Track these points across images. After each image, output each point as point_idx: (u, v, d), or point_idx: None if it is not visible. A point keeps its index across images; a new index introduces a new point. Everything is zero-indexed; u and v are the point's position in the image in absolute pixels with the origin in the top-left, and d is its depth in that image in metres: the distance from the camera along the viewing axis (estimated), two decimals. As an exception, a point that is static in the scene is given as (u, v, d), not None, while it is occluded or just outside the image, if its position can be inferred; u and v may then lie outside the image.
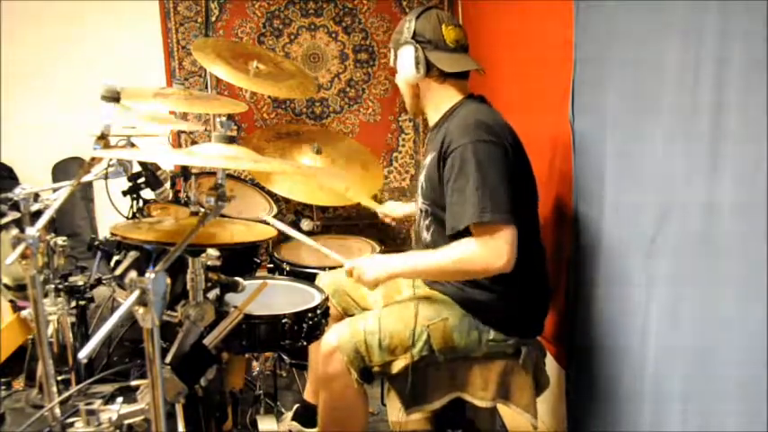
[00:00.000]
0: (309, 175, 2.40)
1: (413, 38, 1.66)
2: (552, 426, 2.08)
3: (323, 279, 1.94)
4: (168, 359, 1.17)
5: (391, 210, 2.23)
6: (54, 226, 1.88)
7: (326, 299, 1.66)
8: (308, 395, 2.03)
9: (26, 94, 3.01)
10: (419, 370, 1.62)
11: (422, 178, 1.73)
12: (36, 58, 3.01)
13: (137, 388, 1.24)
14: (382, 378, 1.68)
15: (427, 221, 1.72)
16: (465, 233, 1.54)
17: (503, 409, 1.78)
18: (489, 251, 1.50)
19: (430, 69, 1.67)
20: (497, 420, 2.00)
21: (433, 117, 1.75)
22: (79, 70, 2.99)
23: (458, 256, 1.54)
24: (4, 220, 1.67)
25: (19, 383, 2.15)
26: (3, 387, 2.05)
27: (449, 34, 1.67)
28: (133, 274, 0.96)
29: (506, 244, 1.49)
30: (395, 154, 3.34)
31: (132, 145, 1.86)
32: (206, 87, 2.90)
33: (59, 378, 1.72)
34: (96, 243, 1.79)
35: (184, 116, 2.80)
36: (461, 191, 1.52)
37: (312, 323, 1.56)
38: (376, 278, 1.62)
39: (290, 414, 2.03)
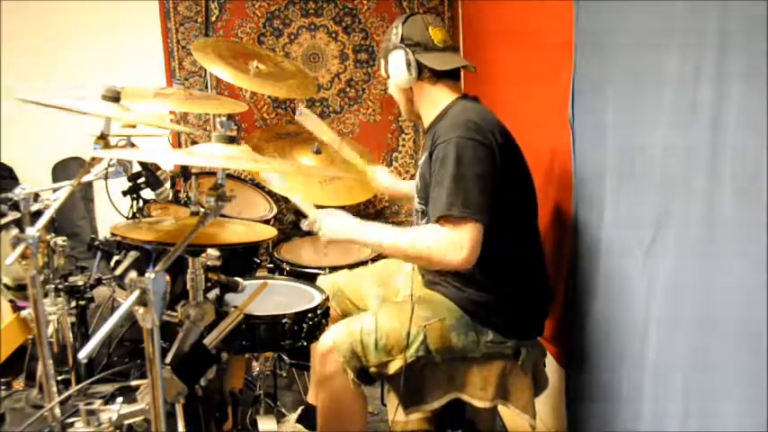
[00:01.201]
0: (316, 174, 2.39)
1: (401, 42, 1.68)
2: (552, 426, 2.08)
3: (323, 282, 1.94)
4: (168, 359, 1.17)
5: (381, 178, 2.16)
6: (54, 226, 1.87)
7: (327, 299, 1.66)
8: (310, 398, 2.03)
9: (26, 94, 3.00)
10: (416, 370, 1.62)
11: (417, 178, 1.74)
12: (36, 58, 3.00)
13: (137, 388, 1.24)
14: (382, 379, 1.68)
15: (423, 222, 1.72)
16: None
17: (503, 409, 1.78)
18: (448, 243, 1.49)
19: (421, 71, 1.68)
20: (497, 421, 2.00)
21: (427, 119, 1.75)
22: (79, 70, 2.98)
23: (417, 240, 1.54)
24: (4, 220, 1.67)
25: (19, 383, 2.15)
26: (3, 387, 2.04)
27: (436, 35, 1.68)
28: (133, 274, 0.96)
29: (468, 239, 1.48)
30: (395, 154, 3.34)
31: (132, 145, 1.86)
32: (206, 87, 2.90)
33: (59, 378, 1.72)
34: (96, 243, 1.79)
35: (185, 116, 2.80)
36: (440, 183, 1.53)
37: (312, 323, 1.56)
38: (331, 238, 1.62)
39: (294, 416, 2.03)
